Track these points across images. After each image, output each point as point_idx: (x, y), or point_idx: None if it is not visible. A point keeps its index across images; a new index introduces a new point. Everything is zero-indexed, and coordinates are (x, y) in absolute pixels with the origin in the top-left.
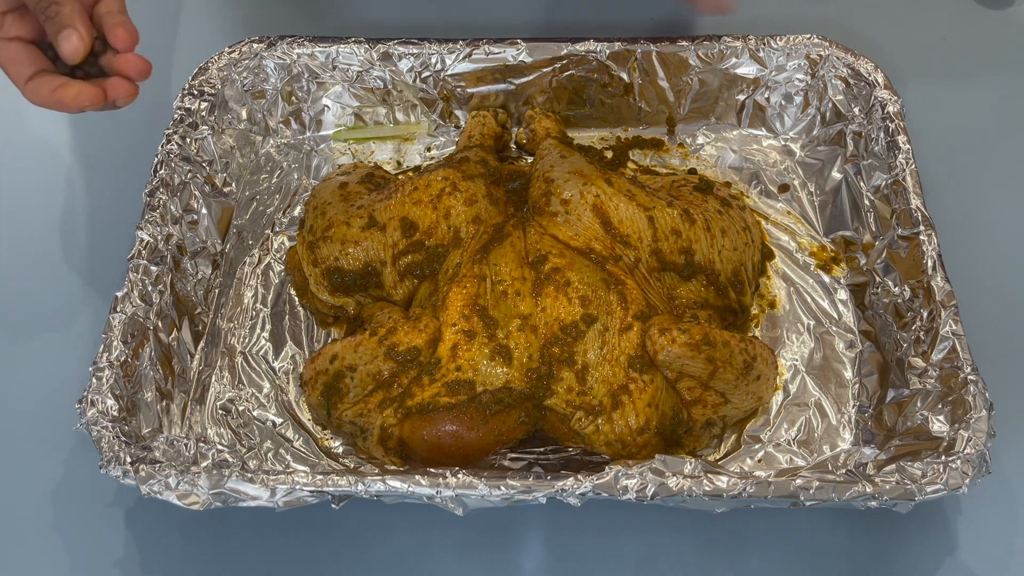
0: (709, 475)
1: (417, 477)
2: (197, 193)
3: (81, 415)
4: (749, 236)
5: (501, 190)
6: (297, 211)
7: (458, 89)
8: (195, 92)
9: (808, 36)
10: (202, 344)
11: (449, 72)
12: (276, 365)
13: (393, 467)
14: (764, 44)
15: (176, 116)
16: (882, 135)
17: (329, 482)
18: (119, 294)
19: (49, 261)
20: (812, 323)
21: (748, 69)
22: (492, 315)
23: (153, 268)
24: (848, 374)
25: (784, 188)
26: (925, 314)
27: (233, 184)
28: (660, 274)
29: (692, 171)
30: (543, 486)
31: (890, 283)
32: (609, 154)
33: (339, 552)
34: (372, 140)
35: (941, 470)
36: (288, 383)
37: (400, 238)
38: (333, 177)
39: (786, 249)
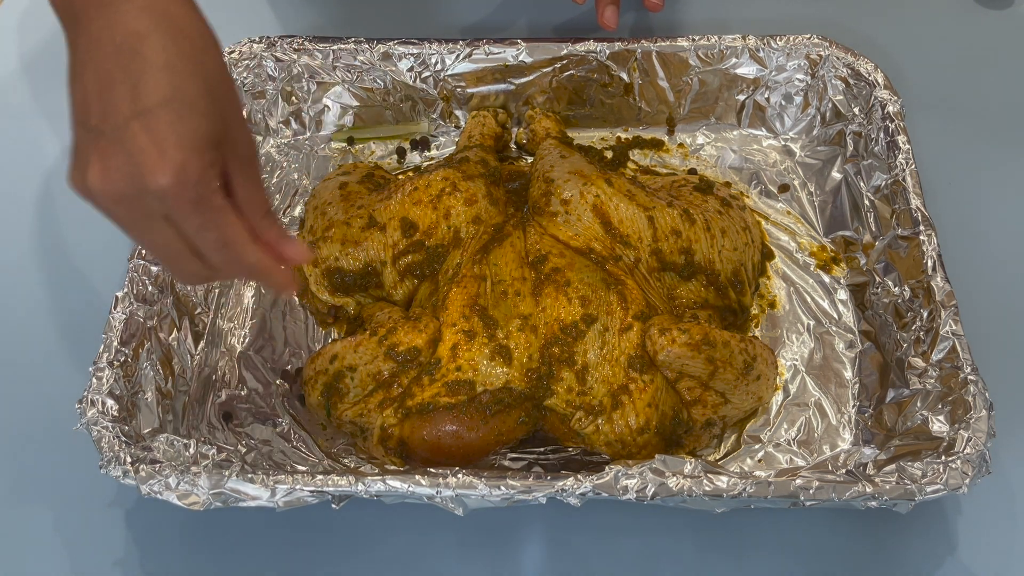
0: (709, 475)
1: (417, 477)
2: None
3: (81, 415)
4: (749, 236)
5: (501, 190)
6: (297, 211)
7: (458, 89)
8: None
9: (808, 36)
10: (202, 344)
11: (449, 72)
12: (276, 365)
13: (393, 467)
14: (764, 44)
15: None
16: (882, 135)
17: (329, 482)
18: (119, 294)
19: (49, 261)
20: (812, 323)
21: (748, 69)
22: (492, 315)
23: (153, 268)
24: (848, 374)
25: (784, 188)
26: (925, 314)
27: None
28: (660, 274)
29: (692, 171)
30: (543, 486)
31: (890, 283)
32: (609, 154)
33: (339, 552)
34: (372, 140)
35: (941, 470)
36: (288, 383)
37: (400, 238)
38: (333, 177)
39: (786, 249)
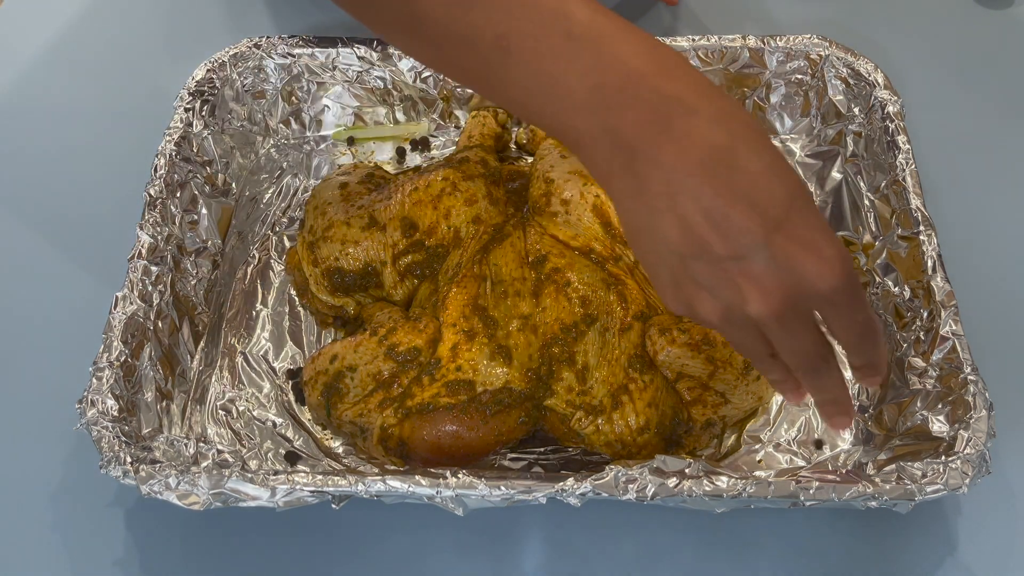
0: (709, 475)
1: (417, 477)
2: (197, 193)
3: (81, 415)
4: None
5: (501, 190)
6: (297, 211)
7: (458, 89)
8: (195, 92)
9: (808, 36)
10: (202, 344)
11: None
12: (276, 365)
13: (393, 467)
14: (764, 44)
15: (176, 116)
16: (882, 135)
17: (329, 482)
18: (119, 294)
19: (49, 261)
20: None
21: (748, 69)
22: (492, 315)
23: (153, 268)
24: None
25: None
26: (925, 314)
27: (233, 184)
28: None
29: None
30: (543, 486)
31: (890, 283)
32: None
33: (339, 552)
34: (372, 140)
35: (941, 470)
36: (288, 383)
37: (400, 238)
38: (333, 177)
39: None
